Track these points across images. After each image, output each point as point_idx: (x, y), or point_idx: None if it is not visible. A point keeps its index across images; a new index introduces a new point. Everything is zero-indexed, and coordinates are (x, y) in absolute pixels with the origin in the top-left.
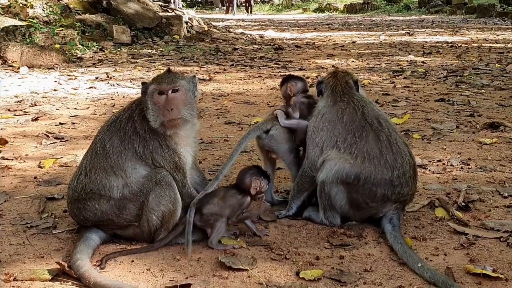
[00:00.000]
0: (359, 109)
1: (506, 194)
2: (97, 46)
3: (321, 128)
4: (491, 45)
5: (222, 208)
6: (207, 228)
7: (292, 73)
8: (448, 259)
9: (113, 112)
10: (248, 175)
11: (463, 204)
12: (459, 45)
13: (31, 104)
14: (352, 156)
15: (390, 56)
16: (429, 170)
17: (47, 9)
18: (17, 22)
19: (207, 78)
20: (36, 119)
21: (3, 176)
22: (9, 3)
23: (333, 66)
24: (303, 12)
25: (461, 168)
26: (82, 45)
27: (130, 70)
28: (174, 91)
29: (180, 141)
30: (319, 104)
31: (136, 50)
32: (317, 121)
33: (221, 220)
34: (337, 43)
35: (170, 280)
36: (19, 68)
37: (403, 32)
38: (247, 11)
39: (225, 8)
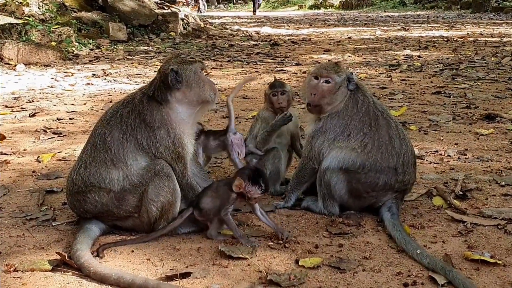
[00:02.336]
0: (371, 98)
1: (503, 183)
2: (93, 44)
3: (339, 125)
4: (486, 39)
5: (215, 199)
6: (208, 222)
7: (288, 68)
8: (446, 246)
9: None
10: (239, 172)
11: (460, 193)
12: (455, 39)
13: (28, 100)
14: (361, 144)
15: (386, 51)
16: (427, 160)
17: (42, 7)
18: (13, 20)
19: (204, 73)
20: (33, 115)
21: (2, 171)
22: (4, 1)
23: (331, 60)
24: (298, 9)
25: (458, 158)
26: (78, 42)
27: (127, 66)
28: None
29: (186, 130)
30: (344, 99)
31: (132, 47)
32: (336, 119)
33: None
34: (333, 39)
35: (170, 269)
36: (15, 65)
37: (399, 27)
38: (253, 11)
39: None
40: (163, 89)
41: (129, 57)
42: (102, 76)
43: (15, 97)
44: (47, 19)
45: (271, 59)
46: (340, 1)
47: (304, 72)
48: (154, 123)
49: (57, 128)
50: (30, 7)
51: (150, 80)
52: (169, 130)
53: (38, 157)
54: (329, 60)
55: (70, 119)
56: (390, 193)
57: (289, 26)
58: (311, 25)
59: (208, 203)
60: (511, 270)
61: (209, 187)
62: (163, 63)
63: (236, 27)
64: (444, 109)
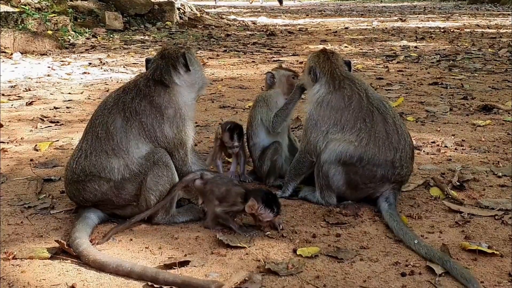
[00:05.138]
0: (363, 94)
1: (500, 174)
2: (89, 33)
3: (328, 116)
4: (483, 30)
5: (221, 196)
6: (200, 196)
7: (284, 58)
8: (443, 237)
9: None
10: (254, 194)
11: (457, 183)
12: (452, 30)
13: (25, 89)
14: (358, 138)
15: (383, 42)
16: (424, 151)
17: None
18: (9, 9)
19: (201, 63)
20: (30, 103)
21: None
22: None
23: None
24: None
25: (455, 149)
26: (75, 31)
27: (123, 56)
28: None
29: (189, 113)
30: (320, 91)
31: (128, 36)
32: (322, 109)
33: (215, 203)
34: (330, 29)
35: (169, 258)
36: (12, 54)
37: (396, 18)
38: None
39: None
40: (170, 72)
41: (125, 47)
42: (99, 65)
43: (12, 86)
44: (43, 7)
45: (267, 49)
46: None
47: (301, 63)
48: (163, 103)
49: (54, 116)
50: None
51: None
52: (176, 109)
53: (36, 145)
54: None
55: (67, 108)
56: (387, 184)
57: (285, 16)
58: (307, 15)
59: (216, 193)
60: (508, 261)
61: (228, 181)
62: (162, 49)
63: (232, 16)
64: (441, 100)
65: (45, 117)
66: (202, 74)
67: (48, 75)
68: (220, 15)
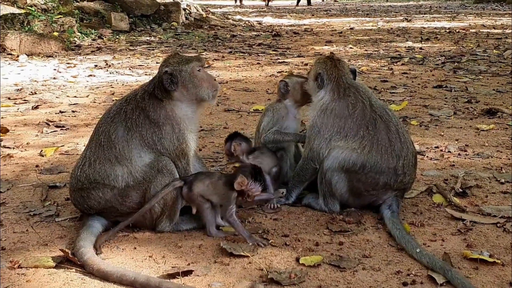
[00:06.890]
0: (367, 102)
1: (503, 180)
2: (95, 34)
3: (331, 124)
4: (488, 30)
5: (209, 191)
6: (191, 205)
7: (290, 60)
8: (445, 245)
9: (113, 101)
10: (240, 170)
11: (460, 190)
12: (457, 31)
13: (31, 92)
14: (361, 146)
15: (388, 43)
16: (427, 156)
17: None
18: (15, 10)
19: (206, 65)
20: (36, 107)
21: (4, 165)
22: None
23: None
24: None
25: (459, 154)
26: (81, 32)
27: (129, 57)
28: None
29: (189, 126)
30: (324, 98)
31: (134, 37)
32: (326, 117)
33: (206, 206)
34: (335, 30)
35: (172, 267)
36: (18, 56)
37: (401, 18)
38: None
39: None
40: (162, 88)
41: (131, 48)
42: (105, 67)
43: (18, 89)
44: (49, 8)
45: (272, 51)
46: None
47: (306, 65)
48: (159, 119)
49: (60, 121)
50: None
51: (152, 71)
52: (173, 125)
53: (41, 151)
54: (331, 52)
55: (73, 111)
56: (390, 192)
57: (291, 16)
58: (313, 15)
59: (202, 191)
60: (509, 270)
61: (209, 175)
62: (162, 62)
63: (238, 17)
64: (445, 104)
65: (51, 122)
66: (197, 90)
67: (54, 78)
68: (225, 15)
